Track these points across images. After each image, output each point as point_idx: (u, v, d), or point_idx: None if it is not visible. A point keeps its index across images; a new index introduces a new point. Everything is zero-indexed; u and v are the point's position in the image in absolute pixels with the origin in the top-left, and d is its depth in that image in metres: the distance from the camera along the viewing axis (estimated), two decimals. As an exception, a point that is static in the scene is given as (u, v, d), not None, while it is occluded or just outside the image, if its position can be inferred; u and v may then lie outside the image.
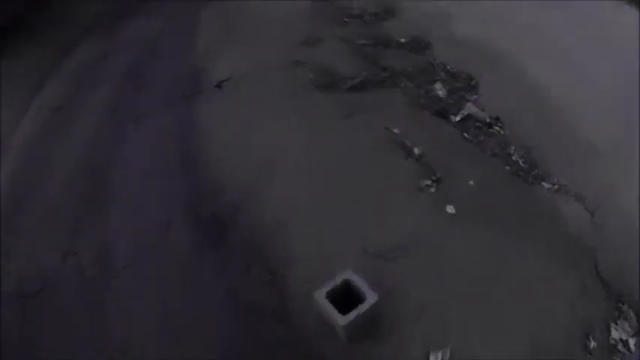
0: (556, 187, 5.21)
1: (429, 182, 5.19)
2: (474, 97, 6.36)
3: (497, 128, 5.87)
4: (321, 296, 3.99)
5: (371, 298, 3.94)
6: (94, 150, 6.46)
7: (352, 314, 3.85)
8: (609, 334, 4.22)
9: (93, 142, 6.62)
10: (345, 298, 3.99)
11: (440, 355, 4.05)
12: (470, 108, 6.11)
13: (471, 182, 5.22)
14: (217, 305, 4.53)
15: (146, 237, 5.18)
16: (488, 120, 5.95)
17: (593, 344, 4.14)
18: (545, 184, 5.25)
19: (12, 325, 4.64)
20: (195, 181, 5.70)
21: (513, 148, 5.61)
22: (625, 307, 4.37)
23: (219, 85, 7.14)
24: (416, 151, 5.52)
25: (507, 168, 5.41)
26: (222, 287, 4.64)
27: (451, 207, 4.96)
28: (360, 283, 4.02)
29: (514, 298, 4.34)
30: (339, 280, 4.05)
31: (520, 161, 5.45)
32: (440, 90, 6.51)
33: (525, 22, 6.51)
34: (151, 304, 4.63)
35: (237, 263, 4.79)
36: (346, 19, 8.51)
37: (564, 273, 4.49)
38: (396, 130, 5.80)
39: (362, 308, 3.89)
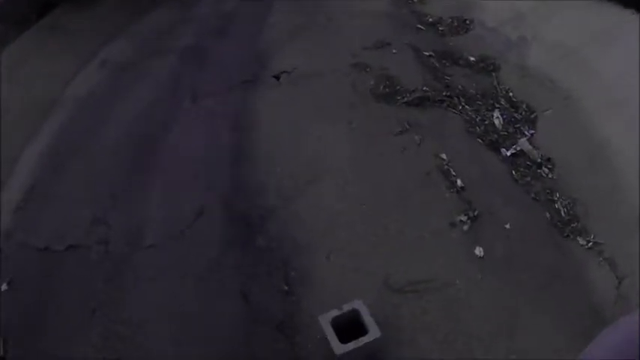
0: (590, 244, 4.90)
1: (464, 218, 4.99)
2: (531, 132, 6.08)
3: (547, 170, 5.61)
4: (325, 320, 3.91)
5: (373, 333, 3.82)
6: (145, 121, 6.52)
7: (350, 345, 3.74)
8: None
9: (147, 112, 6.69)
10: (351, 327, 3.88)
11: None
12: (523, 144, 5.86)
13: (507, 225, 4.98)
14: (228, 304, 4.52)
15: (177, 222, 5.20)
16: (539, 160, 5.70)
17: None
18: (581, 240, 4.94)
19: (33, 278, 4.85)
20: (237, 174, 5.67)
21: (558, 195, 5.35)
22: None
23: (277, 77, 7.05)
24: (459, 182, 5.32)
25: (547, 215, 5.15)
26: (237, 287, 4.61)
27: (480, 249, 4.75)
28: (366, 315, 3.91)
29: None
30: (346, 308, 3.94)
31: (562, 211, 5.18)
32: (497, 119, 6.26)
33: (611, 74, 6.00)
34: (165, 288, 4.68)
35: (258, 267, 4.75)
36: (419, 26, 8.28)
37: (574, 342, 4.09)
38: (443, 156, 5.61)
39: (361, 341, 3.77)
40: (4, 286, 4.88)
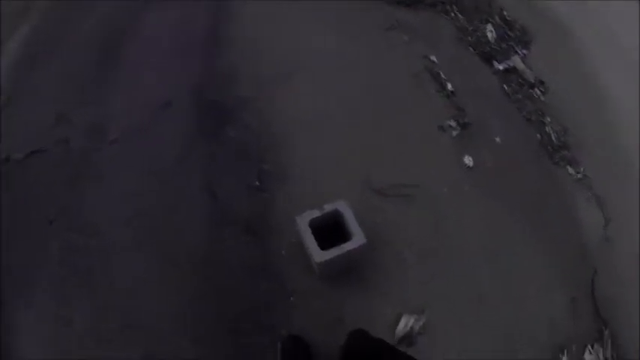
0: (580, 175, 4.24)
1: (453, 124, 4.18)
2: (524, 51, 5.25)
3: (539, 92, 4.82)
4: (303, 221, 3.08)
5: (358, 238, 3.02)
6: (119, 11, 5.33)
7: (332, 252, 2.97)
8: (582, 355, 3.45)
9: (118, 4, 5.45)
10: (331, 230, 3.12)
11: (412, 321, 3.27)
12: (517, 61, 5.03)
13: (498, 139, 4.23)
14: (194, 202, 3.74)
15: (143, 113, 4.26)
16: (532, 80, 4.89)
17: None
18: (570, 170, 4.26)
19: None
20: (211, 64, 4.64)
21: (549, 119, 4.59)
22: (606, 333, 3.55)
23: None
24: (449, 86, 4.48)
25: (538, 136, 4.41)
26: (204, 184, 3.80)
27: (470, 158, 3.99)
28: (350, 218, 3.09)
29: (502, 286, 3.52)
30: (328, 208, 3.12)
31: (553, 136, 4.45)
32: (490, 32, 5.36)
33: (614, 11, 5.19)
34: (128, 186, 3.85)
35: (228, 161, 3.90)
36: None
37: (558, 278, 3.65)
38: (433, 59, 4.73)
39: (344, 248, 2.99)
40: None
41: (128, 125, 4.26)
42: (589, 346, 3.51)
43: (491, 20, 5.58)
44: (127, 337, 3.34)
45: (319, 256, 3.00)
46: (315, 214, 3.12)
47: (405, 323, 3.30)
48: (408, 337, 3.30)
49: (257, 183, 3.80)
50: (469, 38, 5.23)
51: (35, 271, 3.58)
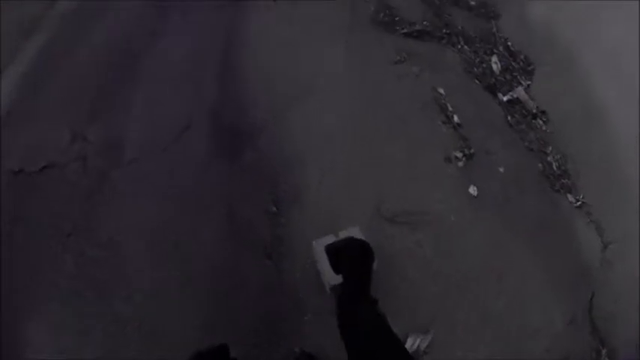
0: (579, 203, 4.40)
1: (459, 155, 4.38)
2: (527, 82, 5.44)
3: (541, 122, 5.00)
4: (319, 246, 3.25)
5: None
6: (132, 33, 5.48)
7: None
8: (582, 375, 3.58)
9: (133, 24, 5.61)
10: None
11: (419, 340, 3.43)
12: (520, 92, 5.22)
13: (501, 169, 4.41)
14: (211, 225, 3.87)
15: (161, 136, 4.40)
16: (534, 111, 5.09)
17: (565, 378, 3.49)
18: (570, 197, 4.43)
19: (4, 205, 4.05)
20: (226, 89, 4.81)
21: (551, 148, 4.77)
22: (604, 353, 3.72)
23: (275, -5, 6.07)
24: (456, 118, 4.68)
25: (540, 166, 4.58)
26: (223, 207, 3.94)
27: (475, 188, 4.18)
28: None
29: (505, 306, 3.70)
30: (342, 235, 3.25)
31: (554, 165, 4.64)
32: (495, 64, 5.58)
33: (614, 36, 5.40)
34: (145, 206, 3.98)
35: (245, 186, 4.05)
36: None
37: (560, 298, 3.83)
38: (441, 91, 4.93)
39: None
40: None
41: (147, 145, 4.40)
42: (588, 366, 3.70)
43: (496, 51, 5.79)
44: (146, 346, 3.46)
45: (333, 279, 3.17)
46: (331, 239, 3.30)
47: (412, 343, 3.48)
48: (415, 357, 3.46)
49: (274, 209, 3.98)
50: (475, 70, 5.43)
51: (51, 285, 3.67)
